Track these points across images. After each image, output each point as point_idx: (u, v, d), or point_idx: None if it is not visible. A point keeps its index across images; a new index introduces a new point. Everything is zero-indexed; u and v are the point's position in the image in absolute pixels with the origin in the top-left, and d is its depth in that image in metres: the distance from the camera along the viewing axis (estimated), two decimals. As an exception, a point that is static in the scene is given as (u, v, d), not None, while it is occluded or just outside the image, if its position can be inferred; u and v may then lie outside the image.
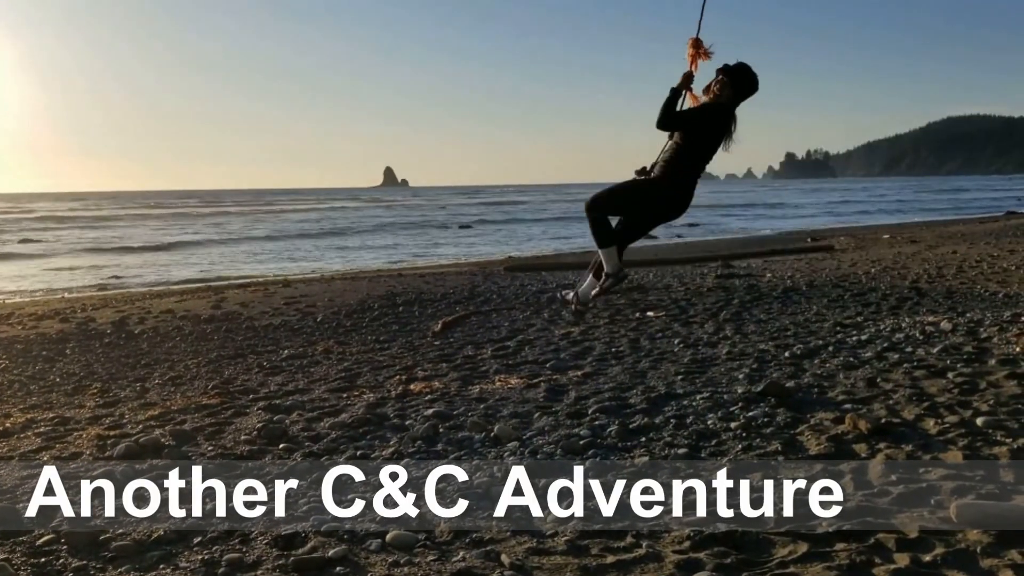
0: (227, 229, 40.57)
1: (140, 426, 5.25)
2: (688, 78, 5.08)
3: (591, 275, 5.59)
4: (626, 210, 5.23)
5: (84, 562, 3.30)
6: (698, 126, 5.04)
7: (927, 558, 3.09)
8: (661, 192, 5.11)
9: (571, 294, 5.79)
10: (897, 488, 3.78)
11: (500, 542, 3.41)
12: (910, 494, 3.71)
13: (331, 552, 3.31)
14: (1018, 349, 6.19)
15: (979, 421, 4.64)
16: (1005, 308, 8.32)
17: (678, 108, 5.03)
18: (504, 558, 3.24)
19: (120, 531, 3.59)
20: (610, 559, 3.21)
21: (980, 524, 3.30)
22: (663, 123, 5.00)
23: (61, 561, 3.32)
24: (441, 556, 3.29)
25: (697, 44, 5.15)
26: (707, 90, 5.12)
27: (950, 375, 5.66)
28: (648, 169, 5.19)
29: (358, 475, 4.22)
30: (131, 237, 34.70)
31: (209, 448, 4.75)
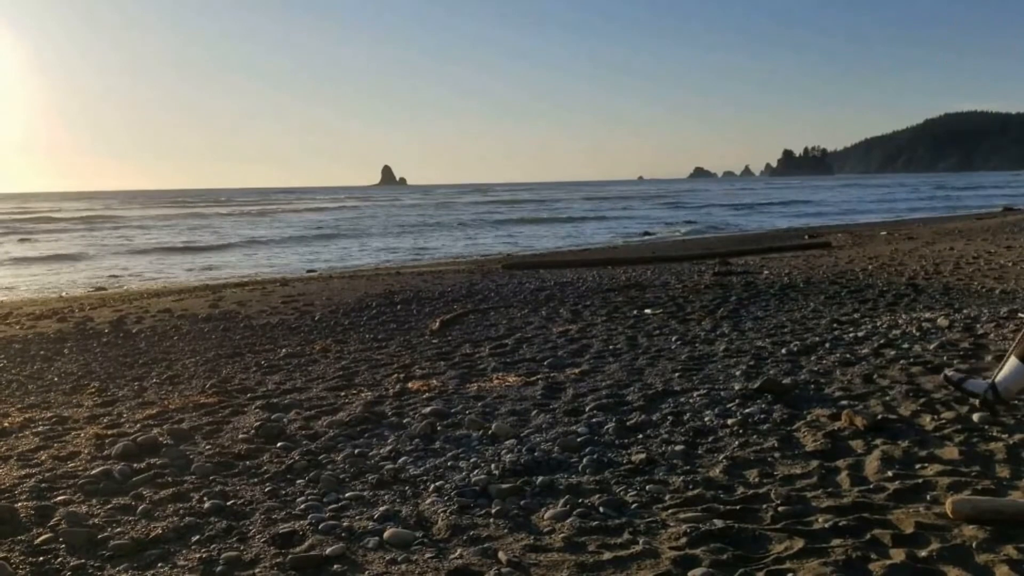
0: (223, 229, 40.56)
1: (138, 425, 5.25)
2: None
3: (1015, 357, 4.47)
4: None
5: (82, 561, 3.30)
6: None
7: (923, 553, 3.10)
8: None
9: (979, 384, 4.53)
10: (893, 484, 3.79)
11: (497, 539, 3.42)
12: (906, 490, 3.72)
13: (329, 550, 3.31)
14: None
15: (975, 417, 4.65)
16: (1002, 304, 8.33)
17: None
18: (501, 555, 3.24)
19: (118, 530, 3.59)
20: (607, 556, 3.21)
21: (976, 519, 3.31)
22: None
23: (59, 560, 3.32)
24: (438, 554, 3.29)
25: None
26: None
27: (947, 371, 5.66)
28: None
29: (356, 473, 4.25)
30: (131, 236, 34.69)
31: (207, 447, 4.75)
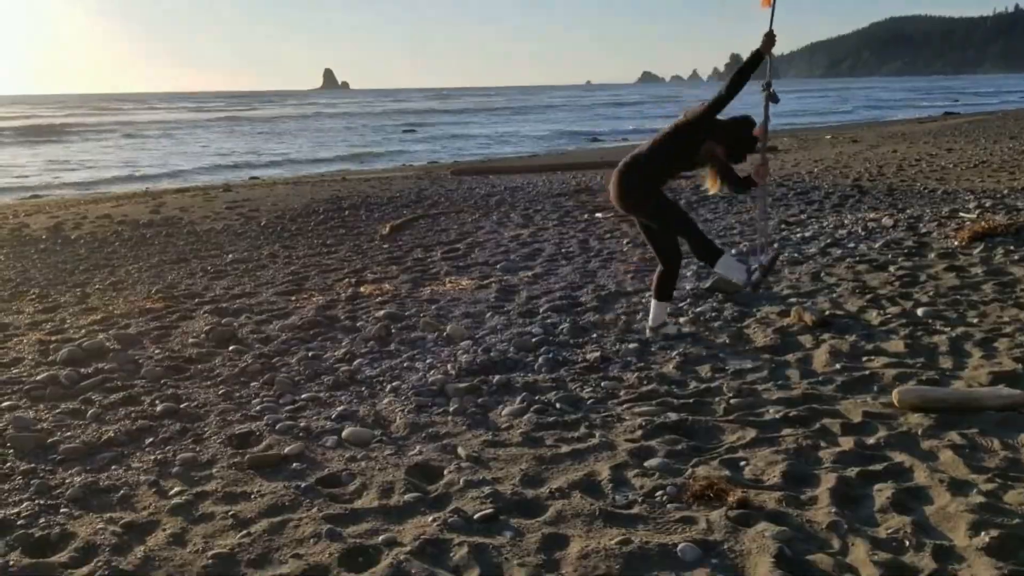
0: (157, 136, 39.25)
1: (83, 331, 5.13)
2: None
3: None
4: None
5: (32, 465, 3.24)
6: None
7: (871, 440, 3.19)
8: None
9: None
10: (841, 376, 3.88)
11: (456, 436, 3.44)
12: (854, 382, 3.82)
13: (287, 449, 3.30)
14: (956, 243, 6.34)
15: (919, 312, 4.77)
16: (944, 204, 8.49)
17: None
18: (461, 451, 3.26)
19: (68, 434, 3.53)
20: (564, 449, 3.25)
21: (921, 408, 3.41)
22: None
23: (8, 464, 3.25)
24: (398, 451, 3.30)
25: None
26: None
27: (891, 269, 5.78)
28: None
29: (311, 375, 4.22)
30: (62, 145, 33.39)
31: (156, 351, 4.67)
